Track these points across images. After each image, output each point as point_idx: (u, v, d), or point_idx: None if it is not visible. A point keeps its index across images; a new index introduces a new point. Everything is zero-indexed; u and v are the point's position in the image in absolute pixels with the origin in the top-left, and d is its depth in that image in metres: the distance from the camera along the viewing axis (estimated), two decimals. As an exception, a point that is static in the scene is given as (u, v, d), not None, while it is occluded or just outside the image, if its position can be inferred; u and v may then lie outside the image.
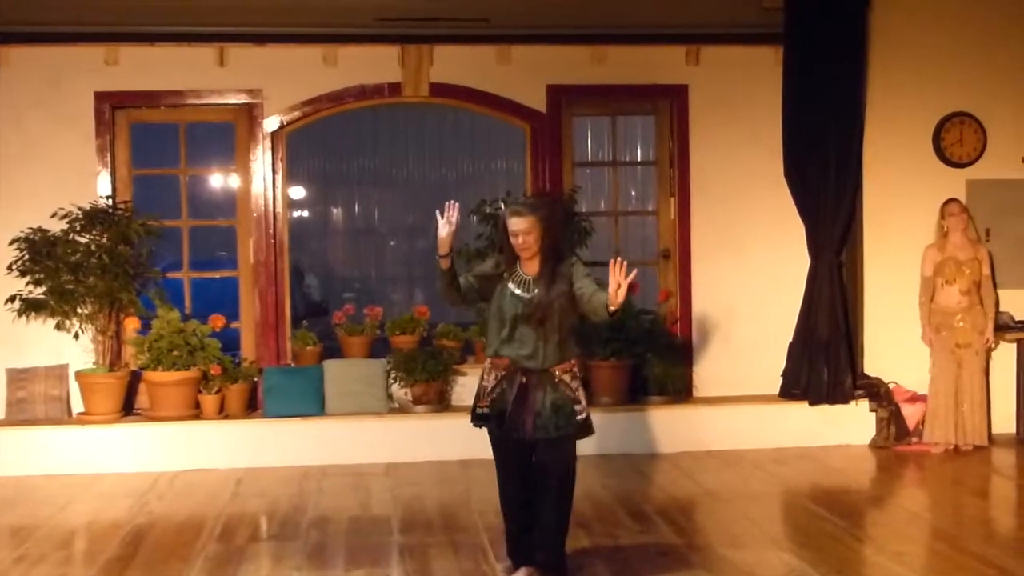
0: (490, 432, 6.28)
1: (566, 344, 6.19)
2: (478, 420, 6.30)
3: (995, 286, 9.78)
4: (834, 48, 9.82)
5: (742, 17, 9.98)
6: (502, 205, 10.11)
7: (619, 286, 5.75)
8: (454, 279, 6.16)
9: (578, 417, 6.16)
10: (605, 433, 8.50)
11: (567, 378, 6.18)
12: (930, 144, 10.22)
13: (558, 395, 6.13)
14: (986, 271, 9.67)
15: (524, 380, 6.11)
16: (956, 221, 9.67)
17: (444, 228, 6.03)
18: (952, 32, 10.18)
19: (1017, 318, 10.09)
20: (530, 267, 6.17)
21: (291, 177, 10.69)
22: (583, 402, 6.21)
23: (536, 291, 6.11)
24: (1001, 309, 9.92)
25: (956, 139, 10.23)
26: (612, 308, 5.83)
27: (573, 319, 6.22)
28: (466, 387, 10.03)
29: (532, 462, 6.23)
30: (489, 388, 6.22)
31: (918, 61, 10.15)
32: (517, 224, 6.09)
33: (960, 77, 10.21)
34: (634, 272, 5.79)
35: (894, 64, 10.12)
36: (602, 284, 5.97)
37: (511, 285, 6.16)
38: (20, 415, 9.66)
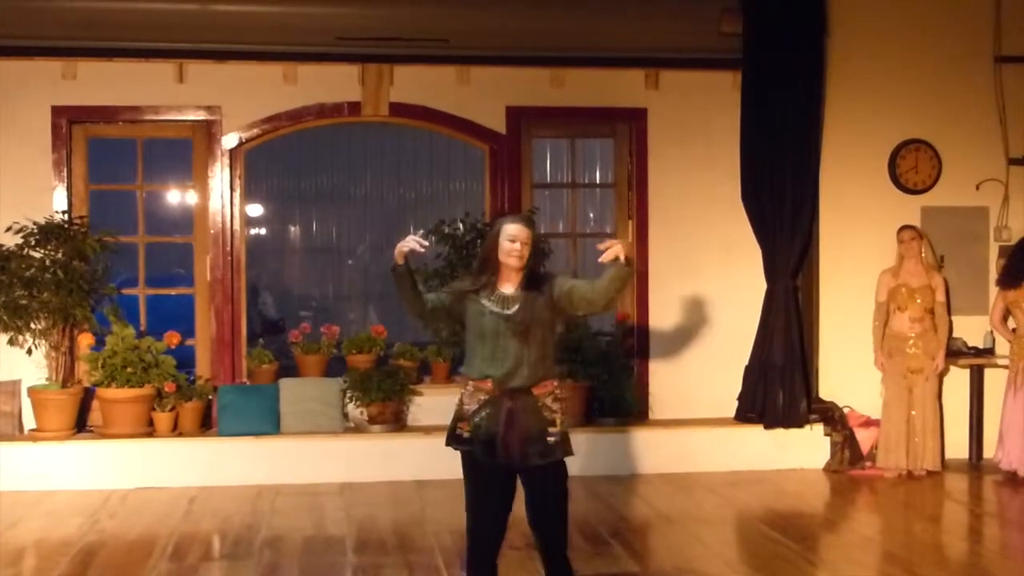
0: (470, 456, 6.02)
1: (548, 361, 6.06)
2: (455, 442, 6.05)
3: (949, 312, 9.86)
4: (791, 74, 9.89)
5: (701, 42, 10.04)
6: (460, 226, 10.13)
7: (610, 247, 5.92)
8: (415, 285, 6.04)
9: (550, 440, 5.97)
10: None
11: (548, 401, 6.04)
12: (886, 170, 10.31)
13: (540, 420, 6.02)
14: (940, 298, 9.71)
15: (510, 406, 5.99)
16: (909, 248, 9.73)
17: (410, 244, 5.89)
18: (908, 60, 10.28)
19: (970, 344, 10.19)
20: (510, 283, 6.11)
21: (249, 195, 10.65)
22: (558, 425, 6.02)
23: (516, 307, 6.05)
24: (955, 335, 10.01)
25: (911, 166, 10.32)
26: (606, 260, 5.94)
27: (555, 335, 6.13)
28: (422, 407, 10.03)
29: (512, 487, 6.05)
30: (471, 412, 6.02)
31: (874, 88, 10.25)
32: (519, 231, 5.98)
33: (915, 105, 10.31)
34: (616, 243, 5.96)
35: (851, 90, 10.21)
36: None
37: (486, 303, 6.03)
38: (-30, 431, 9.57)
